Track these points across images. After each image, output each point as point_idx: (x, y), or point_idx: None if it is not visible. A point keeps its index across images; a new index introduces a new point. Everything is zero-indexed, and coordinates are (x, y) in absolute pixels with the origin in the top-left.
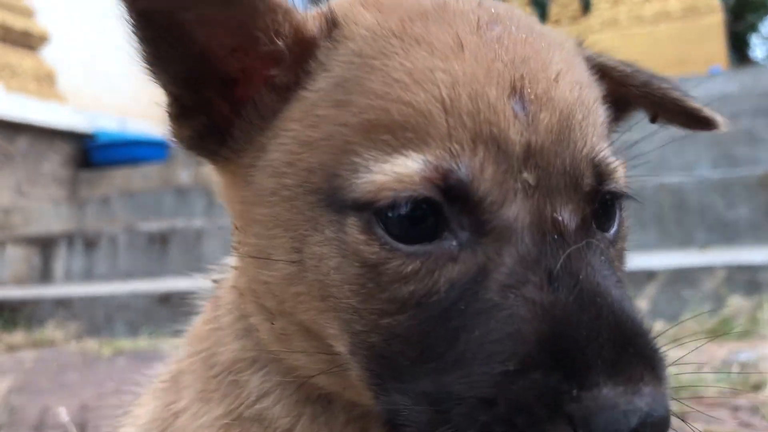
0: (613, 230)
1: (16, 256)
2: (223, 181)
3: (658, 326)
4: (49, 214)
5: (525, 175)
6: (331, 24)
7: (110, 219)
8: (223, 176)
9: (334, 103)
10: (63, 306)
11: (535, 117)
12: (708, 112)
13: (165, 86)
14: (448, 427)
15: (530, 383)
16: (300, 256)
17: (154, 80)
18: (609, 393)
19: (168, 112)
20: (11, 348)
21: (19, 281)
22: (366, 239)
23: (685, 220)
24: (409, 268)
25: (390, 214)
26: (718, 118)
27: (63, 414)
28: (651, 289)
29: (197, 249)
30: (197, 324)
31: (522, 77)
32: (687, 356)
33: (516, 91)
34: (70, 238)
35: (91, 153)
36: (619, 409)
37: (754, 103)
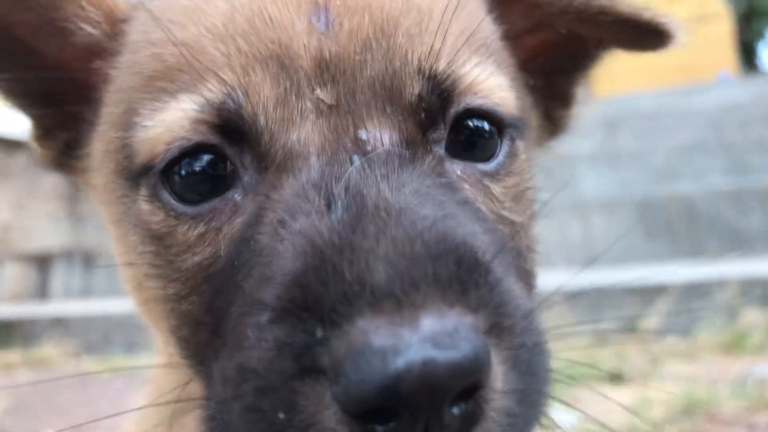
0: (493, 161)
1: (14, 273)
2: (92, 192)
3: (670, 341)
4: (48, 229)
5: (318, 92)
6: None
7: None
8: (89, 189)
9: (127, 71)
10: (60, 324)
11: (340, 27)
12: (649, 15)
13: (24, 109)
14: (228, 413)
15: (281, 333)
16: (124, 242)
17: (13, 104)
18: (364, 326)
19: (32, 136)
20: (7, 367)
21: (17, 298)
22: (151, 208)
23: (696, 230)
24: (195, 232)
25: (172, 174)
26: (667, 23)
27: (68, 399)
28: (663, 304)
29: None
30: None
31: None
32: (701, 372)
33: (319, 7)
34: (68, 255)
35: None
36: (371, 346)
37: (765, 112)
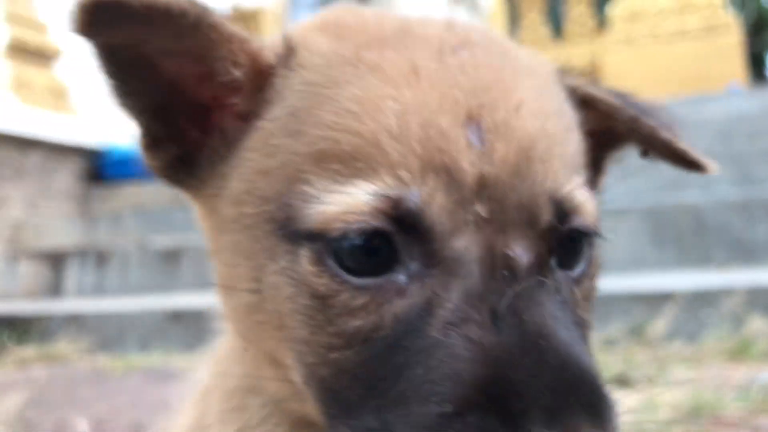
0: (578, 269)
1: (28, 271)
2: (197, 208)
3: (676, 346)
4: (61, 228)
5: (477, 207)
6: (289, 51)
7: (122, 234)
8: (196, 204)
9: (288, 132)
10: (75, 322)
11: (491, 147)
12: (695, 155)
13: (136, 118)
14: None
15: (465, 426)
16: (259, 285)
17: (126, 113)
18: None
19: (140, 143)
20: (23, 362)
21: (31, 295)
22: (316, 271)
23: (704, 240)
24: (358, 301)
25: (341, 245)
26: (707, 162)
27: (82, 425)
28: (670, 310)
29: (209, 265)
30: (220, 340)
31: (480, 106)
32: (706, 378)
33: (473, 120)
34: (82, 253)
35: (103, 168)
36: None
37: None
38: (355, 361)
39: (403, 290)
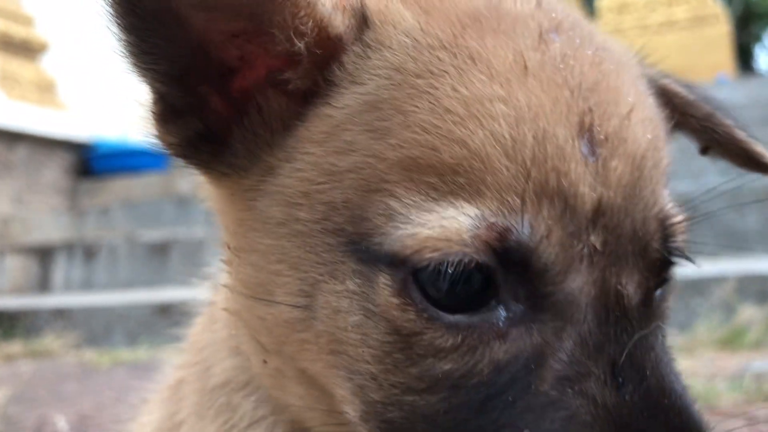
0: (666, 287)
1: (15, 266)
2: (217, 194)
3: (669, 336)
4: (48, 223)
5: (593, 238)
6: (363, 23)
7: (110, 228)
8: (218, 190)
9: (366, 127)
10: (61, 316)
11: (606, 164)
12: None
13: (150, 83)
14: None
15: None
16: (309, 301)
17: (138, 75)
18: None
19: (152, 112)
20: (9, 358)
21: (18, 290)
22: (400, 304)
23: (694, 229)
24: (449, 342)
25: (433, 277)
26: None
27: (61, 423)
28: None
29: (198, 258)
30: (196, 331)
31: (591, 110)
32: (699, 367)
33: (584, 128)
34: (69, 248)
35: (91, 162)
36: None
37: (762, 113)
38: (439, 408)
39: (504, 333)
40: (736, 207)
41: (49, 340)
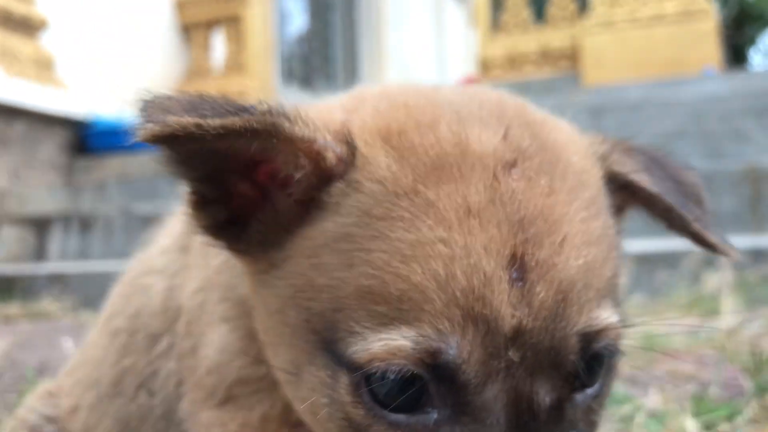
0: (597, 385)
1: (12, 236)
2: (241, 267)
3: (636, 299)
4: (45, 196)
5: (511, 353)
6: (349, 161)
7: (106, 203)
8: (241, 261)
9: (338, 255)
10: (58, 281)
11: (531, 289)
12: (723, 248)
13: (187, 182)
14: None
15: None
16: (297, 372)
17: (176, 176)
18: None
19: (188, 201)
20: (7, 318)
21: (14, 259)
22: (353, 401)
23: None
24: (379, 428)
25: (379, 381)
26: (731, 250)
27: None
28: (629, 268)
29: None
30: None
31: (526, 241)
32: (662, 326)
33: (516, 258)
34: (65, 219)
35: (88, 140)
36: None
37: (745, 104)
38: None
39: (431, 429)
40: (711, 190)
41: (46, 303)
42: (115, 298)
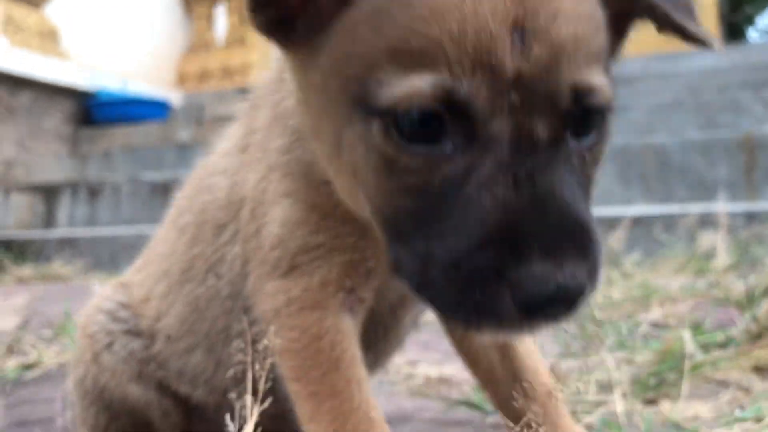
0: (591, 138)
1: (20, 204)
2: (289, 65)
3: (635, 257)
4: (51, 166)
5: (512, 96)
6: None
7: (112, 172)
8: (289, 60)
9: (370, 26)
10: (69, 245)
11: (529, 48)
12: (702, 34)
13: None
14: (427, 277)
15: (485, 256)
16: (338, 139)
17: None
18: (538, 267)
19: (247, 5)
20: (21, 280)
21: (24, 227)
22: (384, 139)
23: (668, 178)
24: (414, 164)
25: (404, 120)
26: (712, 39)
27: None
28: (622, 230)
29: None
30: (273, 69)
31: (525, 12)
32: (662, 282)
33: (518, 24)
34: (73, 187)
35: (92, 110)
36: (540, 278)
37: (742, 77)
38: (411, 205)
39: (449, 158)
40: (707, 158)
41: (58, 266)
42: (180, 200)
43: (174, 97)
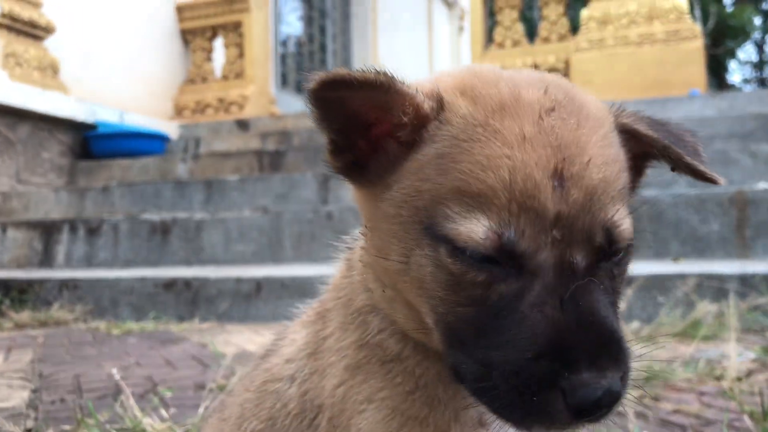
0: (618, 257)
1: (17, 240)
2: (360, 197)
3: (635, 326)
4: (48, 200)
5: (554, 232)
6: (439, 107)
7: (110, 208)
8: (361, 194)
9: (436, 167)
10: (68, 288)
11: (568, 192)
12: (711, 174)
13: (327, 134)
14: (486, 381)
15: (540, 366)
16: (407, 260)
17: (321, 131)
18: (586, 376)
19: (327, 150)
20: (20, 326)
21: (20, 265)
22: (452, 261)
23: (661, 233)
24: (476, 280)
25: (466, 251)
26: (718, 178)
27: (114, 373)
28: (628, 293)
29: (197, 240)
30: (336, 277)
31: (563, 160)
32: (659, 353)
33: (557, 171)
34: (72, 224)
35: (90, 143)
36: (590, 386)
37: (729, 127)
38: (472, 315)
39: (504, 279)
40: (700, 213)
41: (58, 310)
42: (243, 403)
43: (170, 128)
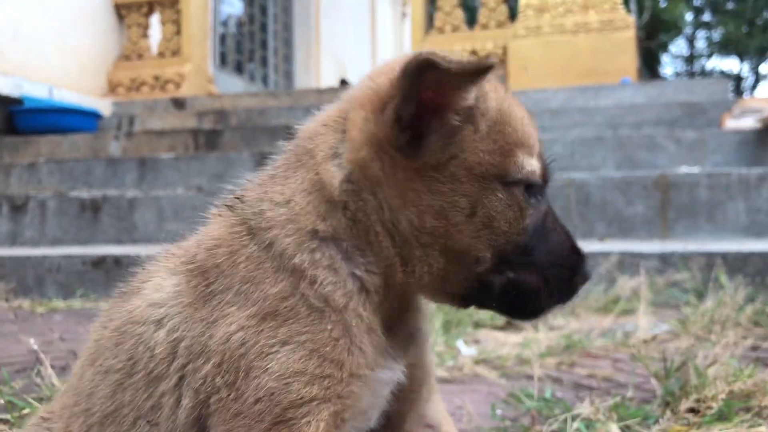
0: None
1: None
2: (404, 172)
3: None
4: None
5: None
6: (479, 96)
7: (36, 185)
8: (406, 169)
9: (496, 133)
10: None
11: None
12: None
13: (404, 111)
14: (539, 282)
15: (572, 259)
16: (474, 209)
17: (398, 113)
18: (585, 264)
19: (395, 128)
20: None
21: None
22: (524, 199)
23: (589, 214)
24: (528, 212)
25: (531, 185)
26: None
27: (32, 343)
28: None
29: (130, 218)
30: (218, 234)
31: (534, 123)
32: (580, 325)
33: (535, 127)
34: None
35: (16, 119)
36: (588, 269)
37: (657, 114)
38: (524, 240)
39: (538, 209)
40: (626, 195)
41: None
42: (99, 339)
43: (103, 105)
